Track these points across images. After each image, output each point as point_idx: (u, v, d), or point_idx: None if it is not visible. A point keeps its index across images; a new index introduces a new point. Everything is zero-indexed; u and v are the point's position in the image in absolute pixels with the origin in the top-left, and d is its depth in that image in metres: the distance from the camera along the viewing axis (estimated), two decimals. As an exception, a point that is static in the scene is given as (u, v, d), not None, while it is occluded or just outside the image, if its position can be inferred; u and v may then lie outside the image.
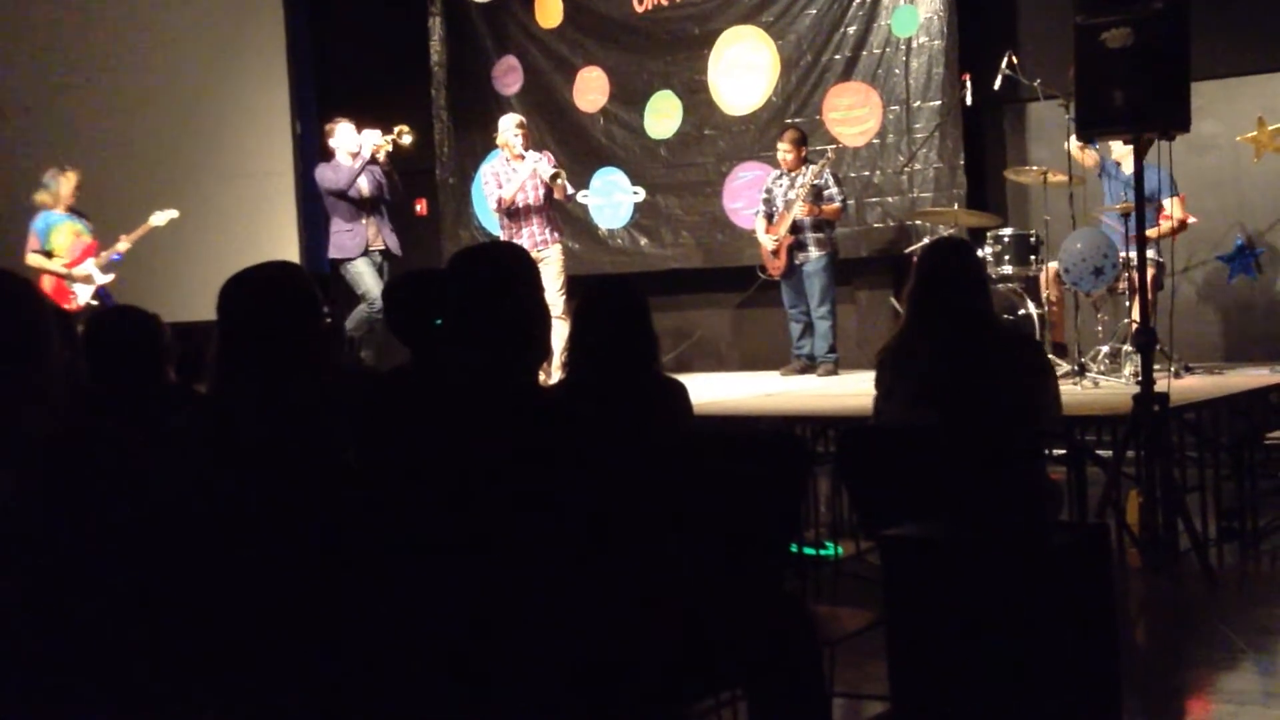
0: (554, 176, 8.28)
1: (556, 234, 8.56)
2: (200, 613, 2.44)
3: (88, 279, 8.37)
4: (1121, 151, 7.51)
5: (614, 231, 10.30)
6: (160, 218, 8.62)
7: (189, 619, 2.44)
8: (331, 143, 8.57)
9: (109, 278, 8.46)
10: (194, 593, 2.45)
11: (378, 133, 8.44)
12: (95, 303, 8.30)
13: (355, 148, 8.45)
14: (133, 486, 2.38)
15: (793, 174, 8.61)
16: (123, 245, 8.48)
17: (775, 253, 8.61)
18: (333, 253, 8.44)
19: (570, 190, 8.71)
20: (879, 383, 4.23)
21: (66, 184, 8.37)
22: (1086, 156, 7.62)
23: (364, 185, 8.37)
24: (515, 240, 8.16)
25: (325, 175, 8.43)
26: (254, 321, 2.61)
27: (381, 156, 8.38)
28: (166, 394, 3.46)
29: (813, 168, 8.53)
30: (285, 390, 2.59)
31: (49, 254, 8.33)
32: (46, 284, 8.25)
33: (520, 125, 8.56)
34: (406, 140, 8.49)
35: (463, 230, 10.75)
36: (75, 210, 8.47)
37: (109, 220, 8.70)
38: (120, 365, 3.39)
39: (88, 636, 2.28)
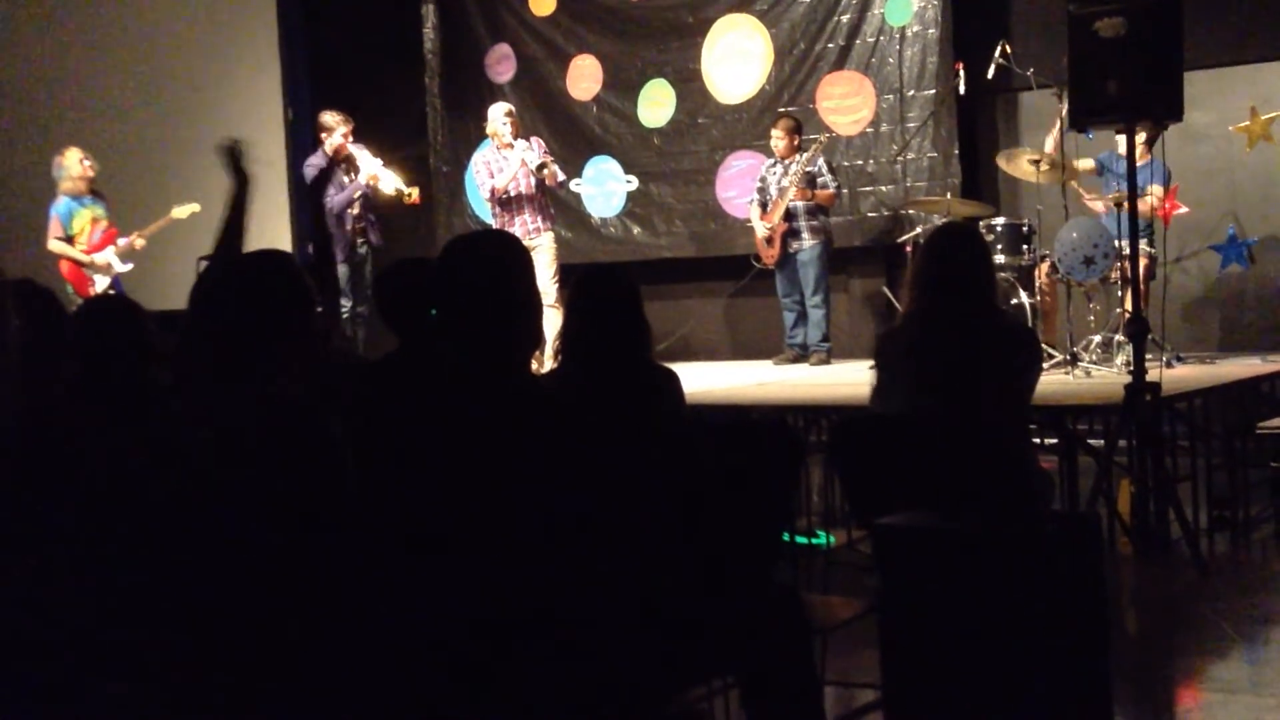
0: (540, 167, 8.28)
1: (549, 222, 8.55)
2: (191, 609, 2.43)
3: (107, 268, 8.22)
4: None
5: (607, 220, 10.30)
6: (181, 211, 8.43)
7: (179, 615, 2.43)
8: (324, 136, 8.51)
9: (128, 267, 8.30)
10: (185, 588, 2.45)
11: (379, 163, 8.37)
12: (112, 292, 8.21)
13: (345, 153, 8.36)
14: (113, 476, 2.37)
15: (786, 161, 8.61)
16: (139, 242, 8.36)
17: (769, 241, 8.61)
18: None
19: (562, 177, 8.70)
20: (880, 367, 4.19)
21: (71, 161, 8.18)
22: (1081, 164, 7.60)
23: (355, 206, 8.37)
24: (508, 229, 8.15)
25: (321, 186, 8.31)
26: (243, 311, 2.60)
27: (374, 184, 8.36)
28: (153, 386, 3.44)
29: (805, 154, 8.53)
30: (275, 379, 2.59)
31: (70, 239, 8.19)
32: (66, 270, 8.16)
33: (509, 114, 8.55)
34: (408, 202, 8.46)
35: (456, 218, 10.73)
36: (95, 192, 8.33)
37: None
38: (103, 356, 3.38)
39: (75, 631, 2.27)
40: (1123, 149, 7.56)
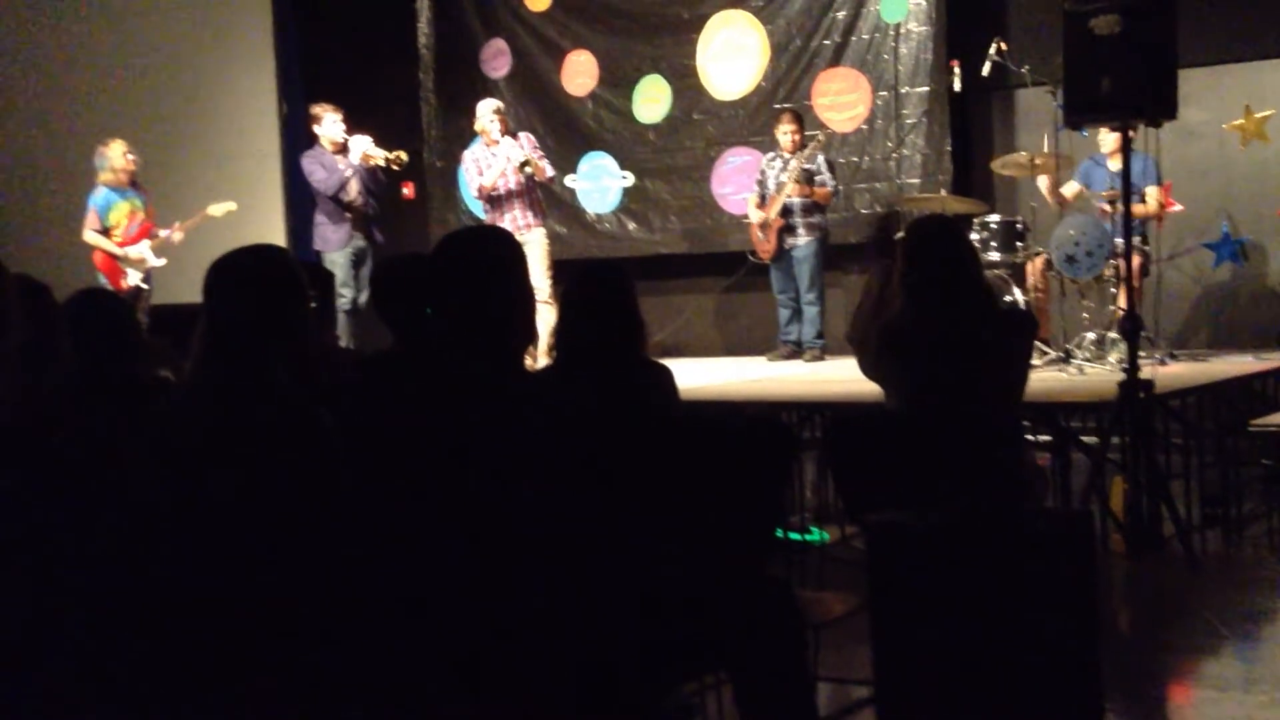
0: (523, 164, 8.29)
1: (539, 218, 8.56)
2: (183, 603, 2.43)
3: (141, 261, 8.21)
4: (1110, 143, 7.54)
5: (602, 216, 10.29)
6: (217, 209, 8.46)
7: (171, 610, 2.43)
8: (316, 129, 8.55)
9: (161, 261, 8.29)
10: (176, 583, 2.45)
11: (369, 140, 8.41)
12: (145, 286, 8.18)
13: (339, 139, 8.43)
14: (107, 472, 2.37)
15: (786, 156, 8.60)
16: (177, 235, 8.34)
17: (763, 228, 8.59)
18: (316, 244, 8.47)
19: (551, 172, 8.70)
20: (869, 346, 4.16)
21: (115, 153, 8.17)
22: (1068, 190, 7.64)
23: (352, 186, 8.38)
24: (498, 225, 8.14)
25: (314, 173, 8.40)
26: (239, 306, 2.61)
27: (369, 164, 8.39)
28: (143, 378, 3.44)
29: (804, 151, 8.53)
30: (270, 374, 2.59)
31: (106, 231, 8.17)
32: (100, 261, 8.16)
33: (496, 111, 8.55)
34: (399, 166, 8.48)
35: (450, 214, 10.73)
36: (135, 184, 8.31)
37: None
38: (93, 349, 3.38)
39: (66, 628, 2.27)
40: (1104, 149, 7.65)
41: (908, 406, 4.02)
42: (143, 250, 8.22)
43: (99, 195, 8.19)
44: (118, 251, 8.17)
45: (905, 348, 4.00)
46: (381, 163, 8.42)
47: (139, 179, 8.36)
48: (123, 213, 8.22)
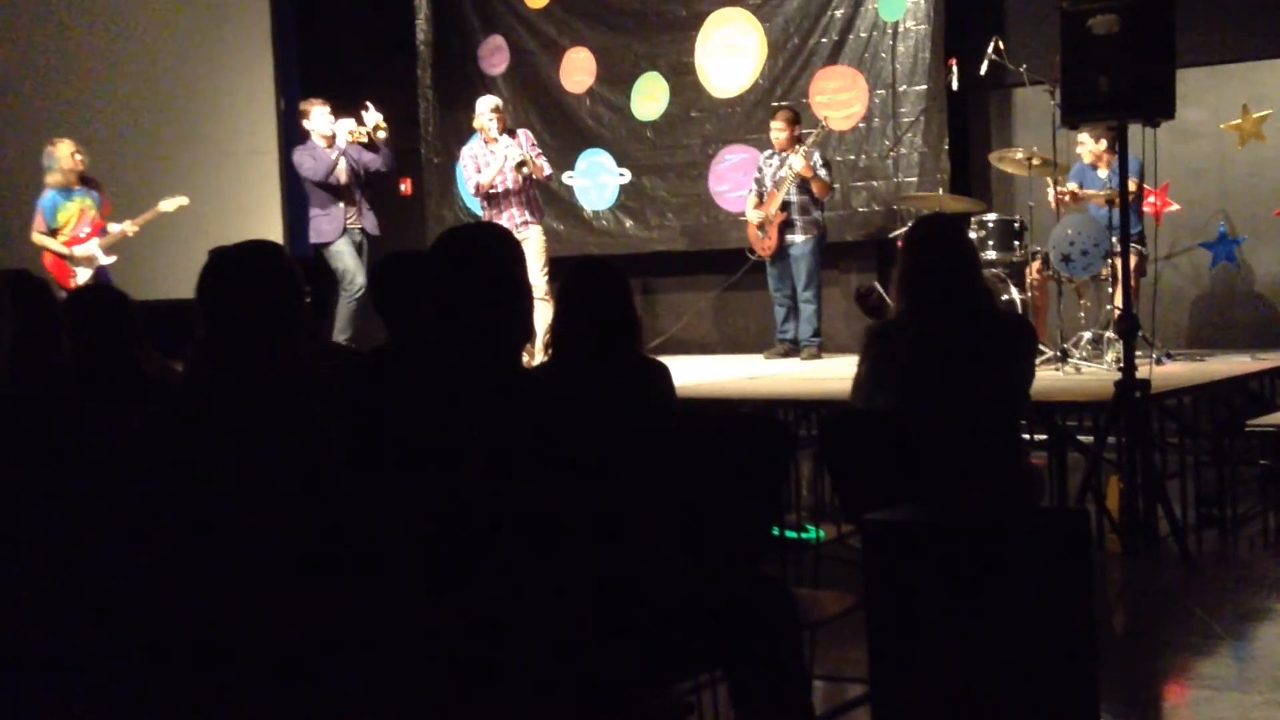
0: (519, 164, 8.29)
1: (537, 215, 8.57)
2: (181, 600, 2.43)
3: (90, 260, 8.20)
4: (1090, 154, 7.62)
5: (599, 213, 10.30)
6: (169, 204, 8.44)
7: (169, 607, 2.43)
8: (306, 124, 8.55)
9: (111, 259, 8.27)
10: (175, 579, 2.45)
11: (351, 122, 8.45)
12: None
13: (329, 131, 8.43)
14: (106, 468, 2.36)
15: (783, 154, 8.60)
16: (130, 229, 8.32)
17: (762, 229, 8.59)
18: (312, 237, 8.47)
19: (548, 171, 8.70)
20: (868, 362, 4.17)
21: (63, 153, 8.16)
22: (1052, 197, 7.67)
23: (341, 172, 8.39)
24: (495, 222, 8.15)
25: (303, 163, 8.42)
26: (234, 301, 2.60)
27: (355, 140, 8.40)
28: (138, 374, 3.44)
29: (807, 142, 8.51)
30: (265, 370, 2.58)
31: (54, 232, 8.16)
32: (48, 262, 8.13)
33: (495, 109, 8.55)
34: (382, 135, 8.46)
35: (447, 210, 10.73)
36: (86, 180, 8.30)
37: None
38: (92, 344, 3.37)
39: (63, 625, 2.27)
40: (1086, 159, 7.70)
41: (903, 406, 4.02)
42: (90, 249, 8.20)
43: (45, 198, 8.20)
44: (64, 251, 8.16)
45: (902, 346, 4.00)
46: (364, 138, 8.42)
47: (90, 175, 8.33)
48: (71, 212, 8.20)
